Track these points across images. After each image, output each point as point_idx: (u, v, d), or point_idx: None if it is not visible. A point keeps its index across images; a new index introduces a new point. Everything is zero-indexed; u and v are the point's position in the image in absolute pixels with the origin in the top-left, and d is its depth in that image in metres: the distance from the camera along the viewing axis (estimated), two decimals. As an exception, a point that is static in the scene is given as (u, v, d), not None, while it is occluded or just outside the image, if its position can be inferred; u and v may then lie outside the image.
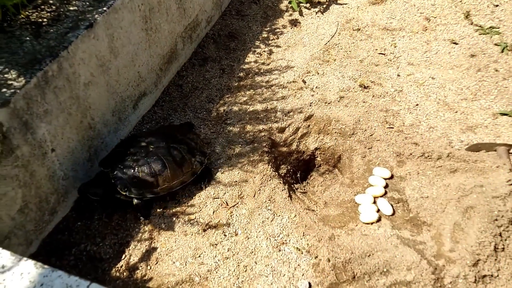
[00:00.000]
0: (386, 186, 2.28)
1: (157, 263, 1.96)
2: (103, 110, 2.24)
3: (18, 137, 1.69)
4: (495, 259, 1.82)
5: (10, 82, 1.71)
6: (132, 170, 2.05)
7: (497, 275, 1.80)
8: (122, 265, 1.96)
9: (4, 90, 1.66)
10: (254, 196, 2.20)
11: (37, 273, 1.12)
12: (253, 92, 2.84)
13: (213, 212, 2.14)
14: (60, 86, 1.87)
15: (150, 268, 1.94)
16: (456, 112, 2.60)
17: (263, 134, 2.54)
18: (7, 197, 1.71)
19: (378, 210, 2.18)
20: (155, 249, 2.01)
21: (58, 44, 1.89)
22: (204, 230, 2.06)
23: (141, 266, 1.95)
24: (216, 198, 2.20)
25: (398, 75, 2.91)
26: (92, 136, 2.20)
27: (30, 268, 1.13)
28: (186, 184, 2.19)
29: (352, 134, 2.55)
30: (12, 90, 1.66)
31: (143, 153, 2.10)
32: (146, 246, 2.02)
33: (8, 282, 1.10)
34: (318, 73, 2.97)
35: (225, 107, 2.74)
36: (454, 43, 3.07)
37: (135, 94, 2.53)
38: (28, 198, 1.83)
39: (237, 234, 2.05)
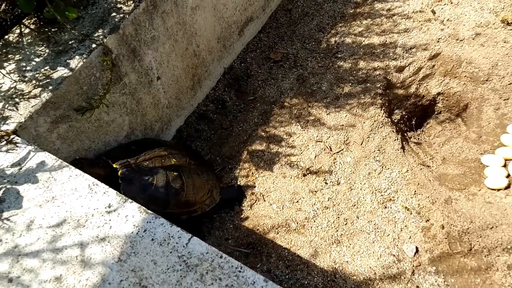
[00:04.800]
0: (522, 149, 1.93)
1: (254, 202, 1.91)
2: (208, 37, 2.12)
3: (126, 64, 1.65)
4: None
5: (119, 5, 1.63)
6: (146, 178, 1.63)
7: None
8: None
9: (113, 14, 1.60)
10: (361, 144, 2.01)
11: (141, 218, 1.09)
12: (371, 22, 2.50)
13: (315, 156, 2.00)
14: (168, 11, 1.76)
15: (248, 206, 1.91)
16: None
17: (378, 72, 2.26)
18: (115, 124, 1.72)
19: (508, 176, 1.88)
20: (252, 187, 1.96)
21: (166, -37, 1.75)
22: (304, 175, 1.95)
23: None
24: (319, 141, 2.05)
25: (558, 9, 2.35)
26: (196, 64, 2.11)
27: (134, 212, 1.11)
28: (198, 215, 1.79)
29: (486, 80, 2.15)
30: (121, 15, 1.59)
31: (162, 163, 1.73)
32: (244, 183, 1.97)
33: (113, 223, 1.09)
34: (451, 2, 2.50)
35: (336, 38, 2.47)
36: None
37: (241, 19, 2.35)
38: (134, 125, 1.84)
39: (339, 183, 1.91)
